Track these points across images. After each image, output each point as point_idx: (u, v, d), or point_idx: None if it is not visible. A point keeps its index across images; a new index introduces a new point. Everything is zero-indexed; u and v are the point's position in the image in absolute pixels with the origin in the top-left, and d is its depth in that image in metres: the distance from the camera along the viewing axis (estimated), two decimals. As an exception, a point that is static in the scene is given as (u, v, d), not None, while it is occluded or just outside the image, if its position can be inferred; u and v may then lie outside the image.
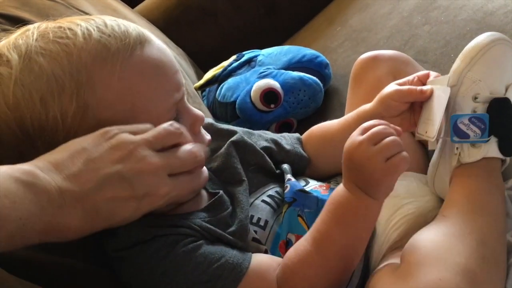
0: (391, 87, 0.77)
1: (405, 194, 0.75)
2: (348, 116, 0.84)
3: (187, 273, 0.63)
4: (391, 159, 0.61)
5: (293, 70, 1.29)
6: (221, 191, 0.73)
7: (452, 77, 0.71)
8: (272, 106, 1.23)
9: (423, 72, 0.77)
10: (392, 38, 1.30)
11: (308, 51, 1.35)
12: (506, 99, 0.69)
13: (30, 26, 0.65)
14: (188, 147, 0.63)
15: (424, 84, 0.75)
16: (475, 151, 0.69)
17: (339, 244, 0.63)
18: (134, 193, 0.57)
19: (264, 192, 0.77)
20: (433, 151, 0.77)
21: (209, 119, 0.87)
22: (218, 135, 0.81)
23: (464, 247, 0.57)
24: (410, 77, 0.77)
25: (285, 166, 0.82)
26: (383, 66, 0.91)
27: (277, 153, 0.85)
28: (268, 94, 1.22)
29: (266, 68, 1.31)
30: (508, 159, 0.71)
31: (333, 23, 1.60)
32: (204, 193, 0.75)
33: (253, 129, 0.89)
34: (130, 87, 0.63)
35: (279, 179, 0.80)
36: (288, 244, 0.72)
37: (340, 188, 0.65)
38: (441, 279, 0.51)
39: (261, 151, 0.82)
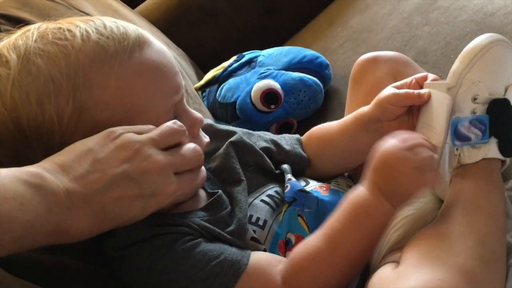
0: (388, 90, 0.76)
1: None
2: (347, 118, 0.84)
3: (186, 270, 0.63)
4: (424, 172, 0.62)
5: (293, 71, 1.29)
6: (220, 191, 0.74)
7: (451, 78, 0.71)
8: (272, 106, 1.23)
9: (421, 74, 0.76)
10: (392, 39, 1.30)
11: (309, 52, 1.35)
12: (505, 100, 0.69)
13: (31, 27, 0.65)
14: (191, 145, 0.63)
15: (422, 86, 0.75)
16: (475, 152, 0.69)
17: (352, 245, 0.63)
18: (141, 192, 0.57)
19: (263, 192, 0.77)
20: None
21: (208, 120, 0.87)
22: (217, 136, 0.81)
23: (464, 248, 0.57)
24: (407, 80, 0.76)
25: (285, 166, 0.82)
26: (383, 67, 0.90)
27: (277, 153, 0.85)
28: (269, 95, 1.22)
29: (267, 69, 1.31)
30: (508, 159, 0.71)
31: (333, 24, 1.60)
32: (202, 192, 0.75)
33: (253, 130, 0.90)
34: (128, 89, 0.63)
35: (279, 179, 0.80)
36: (288, 244, 0.72)
37: (360, 189, 0.66)
38: (441, 279, 0.51)
39: (260, 151, 0.82)
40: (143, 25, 1.49)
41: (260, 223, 0.73)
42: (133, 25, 0.67)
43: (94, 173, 0.55)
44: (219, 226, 0.69)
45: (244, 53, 1.44)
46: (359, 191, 0.66)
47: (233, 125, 0.91)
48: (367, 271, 0.69)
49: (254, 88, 1.24)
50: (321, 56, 1.35)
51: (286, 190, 0.76)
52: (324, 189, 0.80)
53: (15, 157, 0.62)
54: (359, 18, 1.52)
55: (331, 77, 1.33)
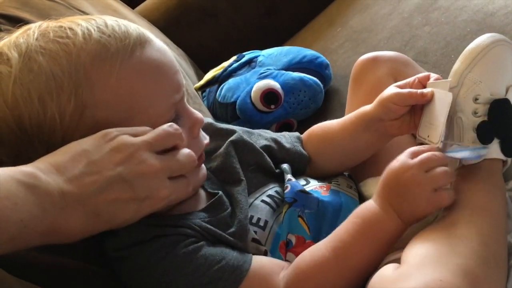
0: (391, 90, 0.76)
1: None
2: (347, 117, 0.84)
3: (187, 274, 0.63)
4: (440, 192, 0.63)
5: (293, 71, 1.29)
6: (220, 192, 0.73)
7: (452, 79, 0.71)
8: (273, 106, 1.23)
9: (423, 74, 0.76)
10: (392, 39, 1.30)
11: (309, 52, 1.35)
12: (506, 100, 0.69)
13: (32, 25, 0.65)
14: (186, 150, 0.63)
15: (424, 86, 0.75)
16: (476, 152, 0.69)
17: (360, 258, 0.64)
18: (135, 195, 0.57)
19: (264, 192, 0.77)
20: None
21: (208, 119, 0.87)
22: (217, 135, 0.81)
23: (465, 248, 0.57)
24: (410, 79, 0.76)
25: (285, 166, 0.81)
26: (383, 67, 0.90)
27: (277, 151, 0.84)
28: (269, 95, 1.22)
29: (267, 69, 1.31)
30: (509, 160, 0.71)
31: (333, 24, 1.60)
32: (203, 193, 0.75)
33: (253, 130, 0.89)
34: (129, 87, 0.63)
35: (279, 179, 0.80)
36: (289, 245, 0.72)
37: (371, 204, 0.66)
38: (442, 280, 0.51)
39: (261, 150, 0.82)
40: (143, 25, 1.48)
41: (261, 223, 0.72)
42: (134, 24, 0.67)
43: (88, 174, 0.55)
44: (220, 228, 0.69)
45: (244, 53, 1.44)
46: (370, 207, 0.66)
47: (233, 125, 0.91)
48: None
49: (254, 88, 1.24)
50: (321, 56, 1.35)
51: (286, 191, 0.76)
52: (325, 189, 0.79)
53: (16, 156, 0.62)
54: (359, 18, 1.52)
55: (331, 77, 1.33)
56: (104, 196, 0.55)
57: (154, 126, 0.62)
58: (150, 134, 0.60)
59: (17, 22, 0.88)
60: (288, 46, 1.47)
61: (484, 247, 0.58)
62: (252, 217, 0.73)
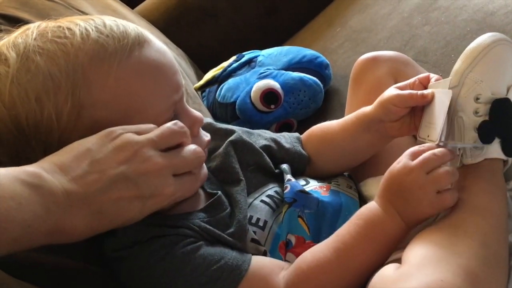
0: (392, 91, 0.76)
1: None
2: (347, 118, 0.84)
3: (186, 274, 0.63)
4: (443, 194, 0.63)
5: (293, 71, 1.29)
6: (219, 192, 0.73)
7: (453, 78, 0.71)
8: (272, 106, 1.23)
9: (424, 74, 0.76)
10: (392, 39, 1.30)
11: (308, 52, 1.35)
12: (507, 100, 0.69)
13: (31, 25, 0.65)
14: (192, 147, 0.63)
15: (425, 86, 0.74)
16: (477, 152, 0.69)
17: (362, 260, 0.64)
18: (140, 193, 0.57)
19: (263, 192, 0.77)
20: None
21: (208, 119, 0.87)
22: (217, 135, 0.81)
23: (466, 248, 0.57)
24: (410, 80, 0.76)
25: (284, 166, 0.81)
26: (383, 67, 0.90)
27: (277, 151, 0.84)
28: (268, 95, 1.22)
29: (266, 69, 1.31)
30: (510, 159, 0.71)
31: (333, 24, 1.60)
32: (202, 193, 0.75)
33: (253, 130, 0.89)
34: (127, 87, 0.63)
35: (278, 179, 0.80)
36: (288, 245, 0.72)
37: (373, 206, 0.66)
38: (443, 280, 0.51)
39: (260, 150, 0.81)
40: (142, 25, 1.48)
41: (260, 224, 0.72)
42: (133, 24, 0.67)
43: (92, 173, 0.54)
44: (220, 228, 0.68)
45: (244, 53, 1.43)
46: (372, 208, 0.66)
47: (233, 125, 0.91)
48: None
49: (253, 88, 1.24)
50: (321, 56, 1.35)
51: (285, 191, 0.75)
52: (325, 189, 0.79)
53: (14, 156, 0.62)
54: (358, 18, 1.52)
55: (331, 77, 1.33)
56: (108, 195, 0.55)
57: None
58: (154, 132, 0.60)
59: (16, 22, 0.88)
60: (288, 46, 1.47)
61: (485, 247, 0.58)
62: (251, 217, 0.72)
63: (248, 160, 0.80)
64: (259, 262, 0.67)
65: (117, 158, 0.56)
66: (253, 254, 0.68)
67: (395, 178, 0.65)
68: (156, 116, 0.64)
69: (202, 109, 1.30)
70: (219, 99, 1.32)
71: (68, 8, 1.16)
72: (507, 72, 0.70)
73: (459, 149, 0.70)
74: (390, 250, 0.65)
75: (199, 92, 1.43)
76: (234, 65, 1.38)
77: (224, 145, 0.79)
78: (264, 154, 0.82)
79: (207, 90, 1.41)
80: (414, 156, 0.64)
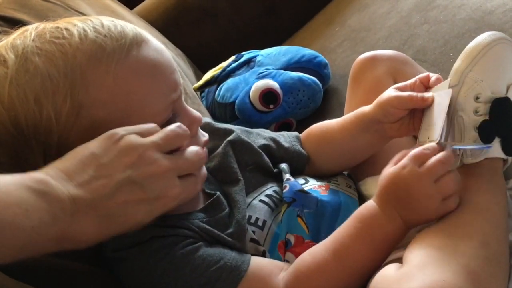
0: (391, 92, 0.75)
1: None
2: (347, 117, 0.84)
3: (185, 275, 0.63)
4: (449, 201, 0.62)
5: (292, 70, 1.29)
6: (218, 192, 0.73)
7: (453, 77, 0.71)
8: (271, 106, 1.23)
9: (424, 74, 0.75)
10: (391, 38, 1.30)
11: (307, 51, 1.35)
12: (507, 99, 0.69)
13: (29, 27, 0.65)
14: (194, 148, 0.63)
15: (426, 86, 0.74)
16: (477, 152, 0.69)
17: (361, 260, 0.64)
18: (146, 196, 0.57)
19: (262, 192, 0.77)
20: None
21: (206, 118, 0.87)
22: (215, 135, 0.81)
23: (467, 248, 0.57)
24: (411, 81, 0.75)
25: (283, 166, 0.81)
26: (382, 66, 0.90)
27: (276, 150, 0.84)
28: (267, 95, 1.22)
29: (265, 69, 1.31)
30: (509, 158, 0.71)
31: (332, 23, 1.60)
32: (200, 193, 0.74)
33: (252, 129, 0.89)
34: (125, 87, 0.63)
35: (277, 178, 0.80)
36: (287, 245, 0.72)
37: (372, 205, 0.65)
38: (445, 281, 0.51)
39: (259, 149, 0.81)
40: (141, 26, 1.48)
41: (259, 223, 0.72)
42: (131, 24, 0.67)
43: (99, 178, 0.54)
44: (219, 228, 0.68)
45: (243, 53, 1.43)
46: (372, 211, 0.65)
47: (231, 125, 0.91)
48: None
49: (252, 88, 1.24)
50: (320, 55, 1.35)
51: (284, 190, 0.75)
52: (324, 188, 0.79)
53: (13, 156, 0.62)
54: (357, 17, 1.52)
55: (330, 76, 1.33)
56: (115, 199, 0.54)
57: None
58: (158, 134, 0.59)
59: (15, 23, 0.88)
60: (287, 45, 1.47)
61: (485, 247, 0.58)
62: (250, 217, 0.72)
63: (246, 159, 0.80)
64: (258, 263, 0.66)
65: (123, 162, 0.56)
66: (252, 254, 0.68)
67: (403, 184, 0.63)
68: (154, 115, 0.64)
69: (201, 109, 1.30)
70: (218, 99, 1.32)
71: (66, 9, 1.16)
72: (507, 71, 0.70)
73: (459, 149, 0.70)
74: (390, 250, 0.64)
75: (198, 92, 1.43)
76: (233, 65, 1.38)
77: (222, 145, 0.79)
78: (263, 153, 0.81)
79: (206, 90, 1.40)
80: (419, 160, 0.63)
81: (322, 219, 0.74)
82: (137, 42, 0.65)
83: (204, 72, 1.48)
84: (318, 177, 0.84)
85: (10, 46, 0.62)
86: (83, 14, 1.20)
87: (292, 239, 0.72)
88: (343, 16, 1.59)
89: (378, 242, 0.64)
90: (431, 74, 0.75)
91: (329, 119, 0.89)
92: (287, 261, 0.70)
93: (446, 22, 1.18)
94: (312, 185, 0.80)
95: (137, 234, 0.65)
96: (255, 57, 1.38)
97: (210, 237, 0.67)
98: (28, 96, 0.59)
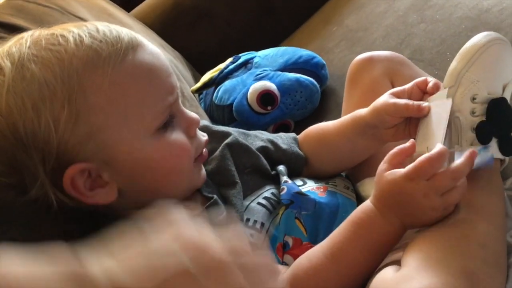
0: (387, 99, 0.74)
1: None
2: (344, 119, 0.83)
3: None
4: (449, 208, 0.62)
5: (289, 72, 1.29)
6: (215, 196, 0.73)
7: (449, 78, 0.70)
8: (269, 108, 1.23)
9: (421, 78, 0.74)
10: (388, 37, 1.30)
11: (304, 52, 1.35)
12: (503, 99, 0.69)
13: (24, 34, 0.65)
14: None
15: (423, 91, 0.73)
16: (484, 160, 0.68)
17: (358, 262, 0.63)
18: None
19: (260, 195, 0.77)
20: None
21: (204, 121, 0.87)
22: (213, 138, 0.81)
23: (465, 249, 0.57)
24: (408, 86, 0.75)
25: (281, 168, 0.81)
26: (379, 67, 0.90)
27: (274, 152, 0.84)
28: (265, 96, 1.22)
29: (263, 70, 1.31)
30: (507, 158, 0.71)
31: (329, 23, 1.61)
32: (198, 197, 0.74)
33: (250, 131, 0.89)
34: (122, 91, 0.63)
35: (275, 181, 0.80)
36: (286, 247, 0.71)
37: (369, 207, 0.65)
38: (443, 283, 0.51)
39: (257, 152, 0.81)
40: (138, 29, 1.49)
41: (257, 226, 0.72)
42: (126, 29, 0.67)
43: None
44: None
45: (240, 55, 1.43)
46: (368, 209, 0.65)
47: (229, 127, 0.91)
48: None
49: (250, 90, 1.24)
50: (317, 56, 1.34)
51: (282, 193, 0.75)
52: (322, 190, 0.79)
53: (12, 163, 0.62)
54: (354, 17, 1.52)
55: (328, 77, 1.33)
56: None
57: (148, 128, 0.63)
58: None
59: (12, 29, 0.88)
60: (284, 46, 1.47)
61: (483, 247, 0.58)
62: (248, 219, 0.72)
63: (244, 162, 0.79)
64: None
65: None
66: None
67: (406, 195, 0.62)
68: (151, 119, 0.65)
69: (200, 111, 1.30)
70: (216, 101, 1.32)
71: (63, 14, 1.16)
72: (503, 71, 0.70)
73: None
74: (387, 252, 0.64)
75: (196, 95, 1.43)
76: (231, 66, 1.38)
77: (220, 148, 0.79)
78: (261, 156, 0.81)
79: (204, 92, 1.40)
80: (426, 175, 0.60)
81: (320, 221, 0.74)
82: (133, 46, 0.65)
83: (202, 74, 1.48)
84: (316, 178, 0.84)
85: (6, 54, 0.62)
86: (80, 18, 1.19)
87: (290, 241, 0.72)
88: (341, 15, 1.59)
89: (376, 244, 0.64)
90: (429, 79, 0.74)
91: (327, 119, 0.89)
92: (286, 264, 0.70)
93: (443, 21, 1.18)
94: (310, 187, 0.80)
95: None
96: (252, 58, 1.38)
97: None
98: (26, 103, 0.60)
